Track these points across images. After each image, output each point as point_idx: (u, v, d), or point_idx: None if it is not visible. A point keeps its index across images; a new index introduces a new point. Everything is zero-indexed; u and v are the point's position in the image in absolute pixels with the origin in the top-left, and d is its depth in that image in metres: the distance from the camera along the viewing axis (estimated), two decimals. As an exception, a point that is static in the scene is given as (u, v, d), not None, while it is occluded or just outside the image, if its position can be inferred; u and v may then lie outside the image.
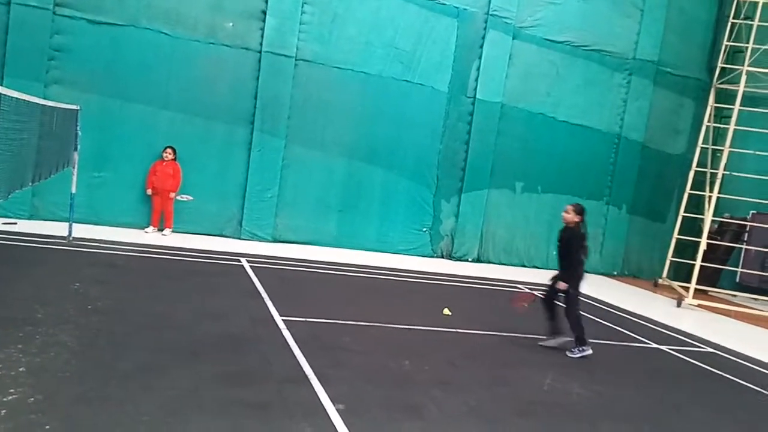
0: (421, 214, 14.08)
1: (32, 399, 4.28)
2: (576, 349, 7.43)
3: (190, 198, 12.19)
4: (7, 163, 6.92)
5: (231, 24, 12.34)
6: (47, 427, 3.95)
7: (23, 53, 11.02)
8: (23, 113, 7.36)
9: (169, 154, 11.83)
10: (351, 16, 13.05)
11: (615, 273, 15.73)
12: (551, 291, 7.57)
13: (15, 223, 10.76)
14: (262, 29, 12.46)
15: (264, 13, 12.43)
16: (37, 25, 11.07)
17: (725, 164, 13.72)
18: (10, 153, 7.02)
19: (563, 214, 7.49)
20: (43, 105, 8.30)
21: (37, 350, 5.18)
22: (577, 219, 7.38)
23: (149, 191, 11.84)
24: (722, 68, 14.57)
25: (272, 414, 4.64)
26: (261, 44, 12.48)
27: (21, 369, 4.74)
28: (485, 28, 13.95)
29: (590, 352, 7.46)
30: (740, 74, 13.71)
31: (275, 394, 5.01)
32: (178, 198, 12.06)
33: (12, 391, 4.35)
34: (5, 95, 6.58)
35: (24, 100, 7.19)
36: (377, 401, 5.19)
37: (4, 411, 4.06)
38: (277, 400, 4.91)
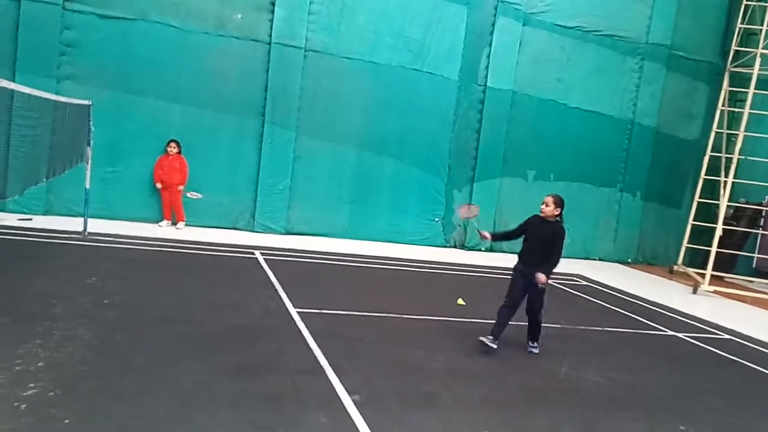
0: (433, 203, 14.06)
1: (52, 393, 4.34)
2: (537, 345, 7.00)
3: (200, 196, 12.24)
4: (21, 159, 6.99)
5: (240, 16, 12.32)
6: (66, 420, 4.00)
7: (34, 49, 11.07)
8: (36, 109, 7.41)
9: (174, 147, 11.86)
10: (359, 5, 12.99)
11: (630, 260, 15.65)
12: (525, 289, 6.81)
13: (30, 219, 10.86)
14: (271, 20, 12.43)
15: (273, 4, 12.40)
16: (47, 20, 11.11)
17: (740, 149, 13.59)
18: (24, 149, 7.08)
19: (542, 207, 6.75)
20: (55, 101, 8.35)
21: (56, 345, 5.24)
22: (556, 212, 6.71)
23: (158, 185, 11.90)
24: (736, 51, 14.38)
25: (287, 405, 4.67)
26: (270, 36, 12.45)
27: (40, 364, 4.80)
28: (495, 15, 13.84)
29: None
30: (754, 57, 13.53)
31: (290, 386, 5.04)
32: (188, 195, 12.11)
33: (32, 385, 4.41)
34: (18, 92, 6.62)
35: (36, 96, 7.23)
36: (392, 391, 5.21)
37: (24, 405, 4.11)
38: (292, 391, 4.94)
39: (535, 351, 6.96)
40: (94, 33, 11.50)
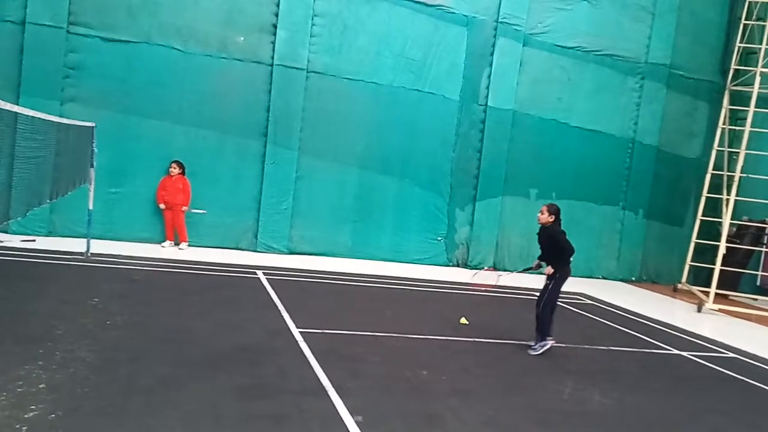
0: (435, 223, 14.06)
1: (53, 415, 4.31)
2: (538, 345, 7.54)
3: (204, 211, 12.27)
4: (25, 180, 7.01)
5: (242, 38, 12.44)
6: (68, 442, 3.97)
7: (38, 72, 11.18)
8: (40, 131, 7.45)
9: (175, 168, 11.91)
10: (361, 27, 13.12)
11: (633, 278, 15.60)
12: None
13: (34, 240, 10.87)
14: (273, 42, 12.55)
15: (274, 26, 12.53)
16: (51, 44, 11.23)
17: (742, 167, 13.59)
18: (28, 171, 7.10)
19: (538, 215, 7.63)
20: (59, 123, 8.40)
21: (57, 366, 5.21)
22: (551, 219, 7.49)
23: (161, 206, 11.93)
24: (736, 70, 14.46)
25: (290, 426, 4.63)
26: (272, 57, 12.57)
27: (41, 385, 4.78)
28: (495, 36, 13.96)
29: (553, 342, 7.61)
30: (754, 76, 13.60)
31: (293, 407, 5.00)
32: (193, 211, 12.14)
33: (33, 407, 4.38)
34: (22, 114, 6.66)
35: (40, 118, 7.28)
36: (395, 412, 5.17)
37: (25, 428, 4.08)
38: (295, 412, 4.90)
39: (534, 352, 7.47)
40: (98, 56, 11.62)
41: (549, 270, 7.48)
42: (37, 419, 4.22)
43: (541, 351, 7.48)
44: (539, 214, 7.61)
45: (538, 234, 7.74)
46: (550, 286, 7.53)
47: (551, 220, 7.49)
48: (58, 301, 7.26)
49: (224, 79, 12.40)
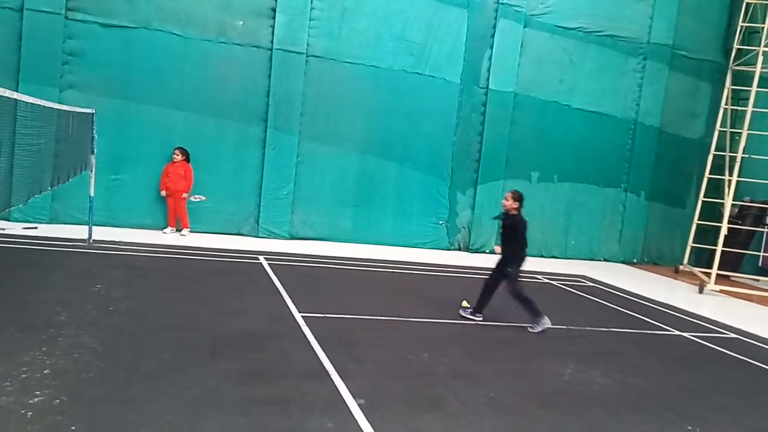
0: (436, 206, 14.05)
1: (57, 401, 4.34)
2: (536, 325, 7.70)
3: (203, 198, 12.27)
4: (25, 168, 7.01)
5: (241, 23, 12.37)
6: (73, 428, 4.00)
7: (37, 59, 11.14)
8: (40, 118, 7.44)
9: (178, 155, 11.89)
10: (360, 10, 13.03)
11: (635, 260, 15.60)
12: (496, 274, 7.91)
13: (35, 228, 10.90)
14: (272, 26, 12.48)
15: (273, 10, 12.45)
16: (49, 30, 11.18)
17: (744, 147, 13.53)
18: (29, 158, 7.10)
19: (503, 201, 7.79)
20: (59, 109, 8.38)
21: (61, 352, 5.24)
22: (515, 205, 7.64)
23: (163, 193, 11.94)
24: (738, 50, 14.36)
25: (293, 410, 4.66)
26: (272, 42, 12.51)
27: (46, 371, 4.81)
28: (496, 17, 13.86)
29: (548, 323, 7.69)
30: (756, 55, 13.50)
31: (296, 391, 5.03)
32: (191, 198, 12.14)
33: (37, 393, 4.41)
34: (22, 101, 6.64)
35: (40, 105, 7.26)
36: (397, 395, 5.20)
37: (30, 413, 4.12)
38: (298, 396, 4.93)
39: (530, 331, 7.67)
40: (97, 42, 11.57)
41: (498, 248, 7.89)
42: (42, 405, 4.25)
43: (539, 330, 7.67)
44: (504, 201, 7.78)
45: (501, 218, 7.94)
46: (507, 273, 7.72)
47: (515, 206, 7.66)
48: (61, 288, 7.29)
49: (224, 64, 12.36)
